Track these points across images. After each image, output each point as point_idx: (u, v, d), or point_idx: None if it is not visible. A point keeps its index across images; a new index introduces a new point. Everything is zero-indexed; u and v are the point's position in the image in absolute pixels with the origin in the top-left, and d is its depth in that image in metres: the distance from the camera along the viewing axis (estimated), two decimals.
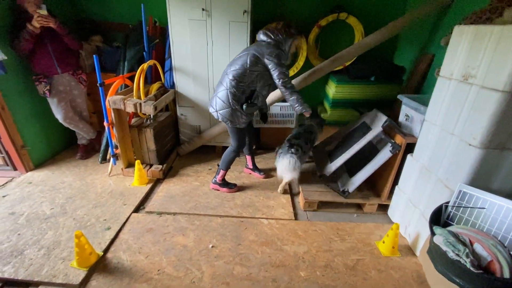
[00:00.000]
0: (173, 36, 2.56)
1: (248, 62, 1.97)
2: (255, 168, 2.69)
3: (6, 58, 2.07)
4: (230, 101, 2.00)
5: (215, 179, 2.42)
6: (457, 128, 1.52)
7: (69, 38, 2.42)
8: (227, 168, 2.35)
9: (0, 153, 2.51)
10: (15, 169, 2.58)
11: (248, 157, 2.67)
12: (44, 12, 2.16)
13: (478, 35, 1.40)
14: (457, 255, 1.26)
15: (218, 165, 2.39)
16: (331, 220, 2.13)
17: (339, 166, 2.25)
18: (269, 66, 1.97)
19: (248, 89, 2.03)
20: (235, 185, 2.45)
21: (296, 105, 2.06)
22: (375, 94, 2.97)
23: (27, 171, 2.60)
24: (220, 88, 2.05)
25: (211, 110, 2.12)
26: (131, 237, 1.89)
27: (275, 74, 1.97)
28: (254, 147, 2.72)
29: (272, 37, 2.02)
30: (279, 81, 1.99)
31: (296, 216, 2.17)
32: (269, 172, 2.72)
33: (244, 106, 2.02)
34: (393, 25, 2.47)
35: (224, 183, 2.42)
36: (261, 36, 2.07)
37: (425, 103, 1.82)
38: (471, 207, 1.47)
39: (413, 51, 2.87)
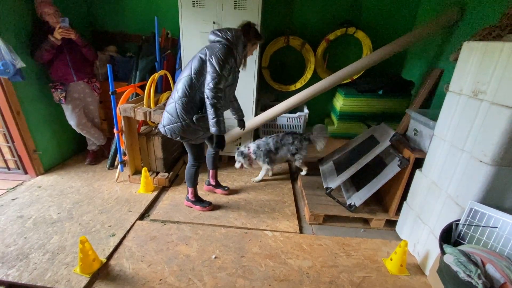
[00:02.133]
0: (184, 48, 2.64)
1: (192, 68, 1.77)
2: (217, 185, 2.51)
3: (24, 65, 2.16)
4: (179, 114, 1.79)
5: (187, 196, 2.29)
6: (467, 144, 1.50)
7: (86, 49, 2.54)
8: (193, 184, 2.20)
9: (12, 157, 2.58)
10: (26, 172, 2.64)
11: (211, 172, 2.46)
12: (66, 25, 2.28)
13: (487, 51, 1.40)
14: (469, 276, 1.21)
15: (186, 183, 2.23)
16: (337, 235, 2.09)
17: (346, 179, 2.22)
18: (207, 68, 1.72)
19: (197, 98, 1.81)
20: (210, 203, 2.28)
21: (211, 122, 1.77)
22: (383, 108, 2.96)
23: (37, 175, 2.65)
24: (169, 101, 1.86)
25: (159, 126, 1.93)
26: (135, 245, 1.88)
27: (208, 79, 1.72)
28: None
29: (220, 35, 1.77)
30: (207, 88, 1.72)
31: (301, 229, 2.14)
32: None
33: (194, 118, 1.80)
34: (401, 40, 2.49)
35: (197, 200, 2.27)
36: (210, 36, 1.83)
37: (434, 118, 1.80)
38: (483, 226, 1.42)
39: (421, 65, 2.87)
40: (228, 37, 1.77)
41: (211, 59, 1.71)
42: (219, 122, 1.78)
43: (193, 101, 1.80)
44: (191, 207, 2.31)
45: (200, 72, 1.76)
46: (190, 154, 2.10)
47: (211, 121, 1.78)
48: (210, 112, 1.76)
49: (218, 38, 1.78)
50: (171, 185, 2.64)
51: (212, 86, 1.71)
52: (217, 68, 1.70)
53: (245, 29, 1.85)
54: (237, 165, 2.67)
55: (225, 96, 1.87)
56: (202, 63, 1.76)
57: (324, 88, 2.63)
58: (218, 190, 2.52)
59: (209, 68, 1.72)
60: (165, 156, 2.62)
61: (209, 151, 2.37)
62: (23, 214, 2.12)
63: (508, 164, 1.35)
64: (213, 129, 1.79)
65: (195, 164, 2.13)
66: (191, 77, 1.77)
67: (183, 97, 1.78)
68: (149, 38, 2.95)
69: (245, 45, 1.86)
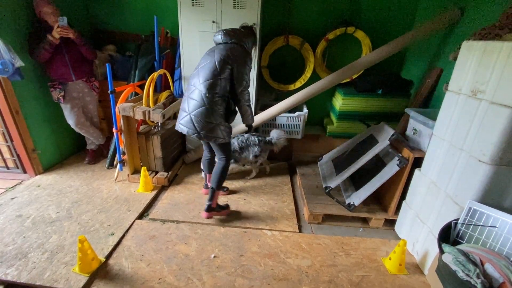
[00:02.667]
0: (183, 47, 2.63)
1: (218, 69, 1.79)
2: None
3: (23, 65, 2.15)
4: (213, 116, 1.82)
5: (209, 204, 2.11)
6: (466, 144, 1.50)
7: (85, 49, 2.53)
8: (221, 186, 2.15)
9: (11, 156, 2.58)
10: (24, 172, 2.63)
11: (208, 176, 2.38)
12: (64, 24, 2.27)
13: (487, 51, 1.39)
14: (467, 275, 1.21)
15: (212, 188, 2.10)
16: (336, 234, 2.09)
17: (345, 179, 2.22)
18: (235, 72, 1.82)
19: (223, 97, 1.85)
20: (228, 205, 2.28)
21: (249, 117, 2.05)
22: (382, 107, 2.95)
23: (36, 175, 2.65)
24: (194, 105, 1.82)
25: (188, 132, 1.88)
26: (134, 244, 1.88)
27: (240, 83, 1.86)
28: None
29: (235, 36, 1.86)
30: (244, 92, 1.91)
31: (300, 229, 2.14)
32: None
33: (228, 118, 1.92)
34: (401, 40, 2.49)
35: (220, 206, 2.20)
36: (220, 38, 1.87)
37: (433, 118, 1.80)
38: (481, 225, 1.42)
39: (421, 65, 2.87)
40: (243, 39, 1.90)
41: (239, 65, 1.83)
42: (252, 115, 2.09)
43: (221, 102, 1.86)
44: (215, 216, 2.17)
45: (224, 73, 1.82)
46: (222, 153, 2.05)
47: (248, 117, 2.06)
48: (247, 110, 2.01)
49: (234, 40, 1.87)
50: (170, 185, 2.64)
51: (246, 89, 1.92)
52: (247, 73, 1.88)
53: (253, 33, 2.02)
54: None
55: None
56: (225, 65, 1.81)
57: (323, 87, 2.63)
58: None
59: (239, 73, 1.84)
60: (164, 156, 2.61)
61: (204, 155, 2.32)
62: (22, 213, 2.12)
63: (507, 163, 1.35)
64: (250, 122, 2.11)
65: (228, 162, 2.10)
66: (220, 79, 1.81)
67: (212, 100, 1.82)
68: (148, 37, 2.94)
69: (251, 42, 2.00)
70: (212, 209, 2.15)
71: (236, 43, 1.87)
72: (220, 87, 1.82)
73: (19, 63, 2.13)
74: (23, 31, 2.39)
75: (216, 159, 2.18)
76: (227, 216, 2.22)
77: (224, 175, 2.11)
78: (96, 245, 1.83)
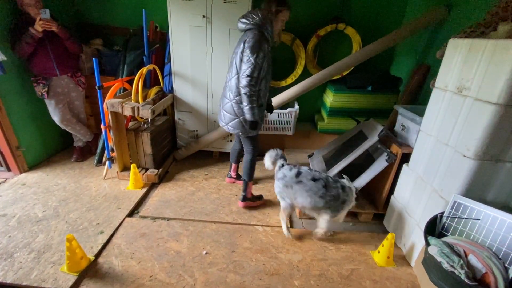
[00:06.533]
0: (173, 42, 2.59)
1: (237, 67, 1.84)
2: (238, 176, 2.61)
3: (5, 59, 2.08)
4: (236, 111, 1.94)
5: (244, 194, 2.24)
6: (451, 139, 1.54)
7: (70, 42, 2.45)
8: (252, 177, 2.23)
9: None
10: (9, 170, 2.55)
11: (234, 166, 2.58)
12: (47, 16, 2.19)
13: (472, 48, 1.43)
14: (452, 266, 1.25)
15: (244, 180, 2.21)
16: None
17: (335, 174, 2.25)
18: (243, 58, 1.77)
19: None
20: (261, 195, 2.36)
21: (245, 109, 1.87)
22: (372, 104, 2.99)
23: (21, 173, 2.57)
24: (224, 101, 2.00)
25: (221, 124, 2.08)
26: (124, 242, 1.86)
27: (243, 67, 1.78)
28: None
29: (249, 22, 1.80)
30: (242, 77, 1.79)
31: (291, 224, 2.16)
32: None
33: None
34: (390, 37, 2.52)
35: (254, 197, 2.31)
36: (239, 25, 1.87)
37: (421, 114, 1.84)
38: (465, 218, 1.47)
39: (409, 62, 2.92)
40: (257, 21, 1.79)
41: (245, 50, 1.76)
42: (253, 108, 1.86)
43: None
44: (251, 206, 2.29)
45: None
46: (249, 146, 2.14)
47: (245, 108, 1.87)
48: (243, 98, 1.85)
49: (248, 26, 1.81)
50: (161, 182, 2.61)
51: (247, 74, 1.77)
52: (251, 57, 1.75)
53: (267, 5, 1.87)
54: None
55: (265, 88, 1.95)
56: (242, 56, 1.80)
57: (314, 83, 2.64)
58: (239, 182, 2.59)
59: (244, 58, 1.77)
60: (154, 152, 2.58)
61: (234, 145, 2.46)
62: (7, 212, 2.06)
63: (490, 158, 1.40)
64: (247, 116, 1.90)
65: (255, 155, 2.17)
66: (239, 75, 1.84)
67: (237, 95, 1.90)
68: (137, 31, 2.87)
69: (271, 20, 1.85)
70: (248, 199, 2.26)
71: (251, 30, 1.80)
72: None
73: (1, 57, 2.05)
74: (5, 24, 2.29)
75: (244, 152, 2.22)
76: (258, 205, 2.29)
77: (252, 167, 2.18)
78: (85, 244, 1.79)
